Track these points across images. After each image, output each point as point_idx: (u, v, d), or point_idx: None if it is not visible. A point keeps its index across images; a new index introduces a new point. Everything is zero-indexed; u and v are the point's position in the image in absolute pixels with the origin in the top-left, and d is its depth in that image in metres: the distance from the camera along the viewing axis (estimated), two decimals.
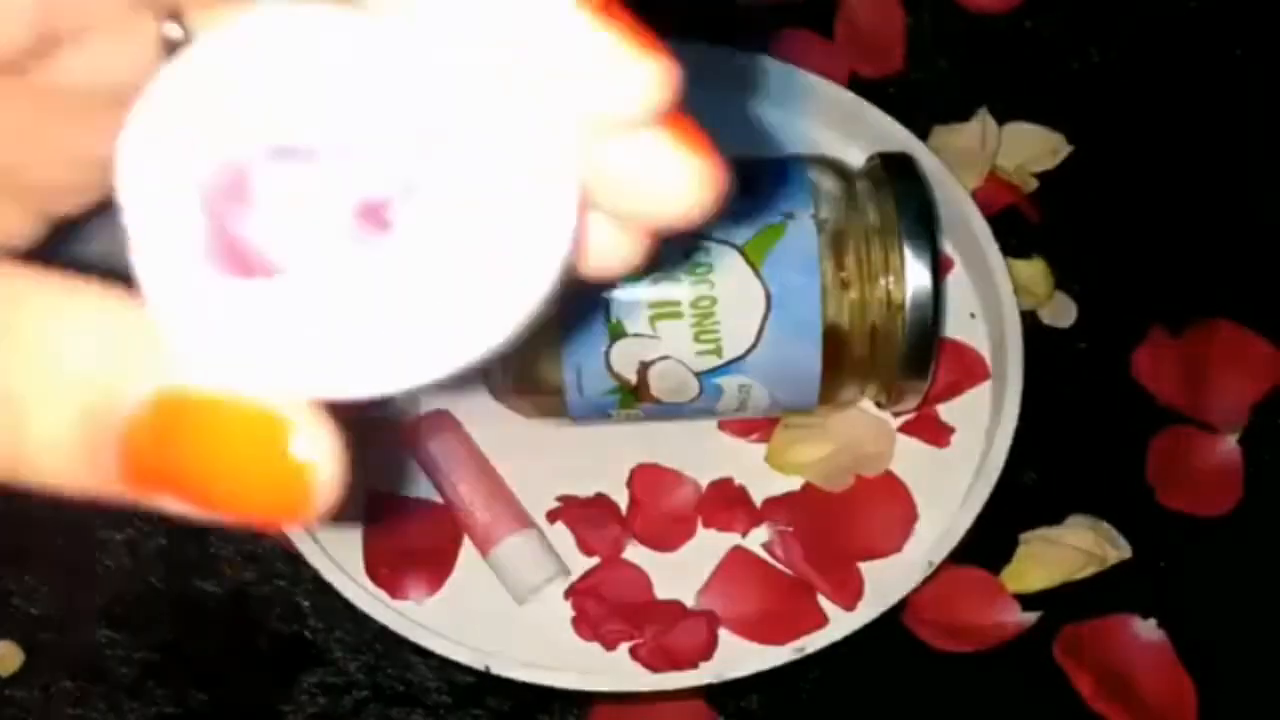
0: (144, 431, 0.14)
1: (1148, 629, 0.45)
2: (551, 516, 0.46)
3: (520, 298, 0.14)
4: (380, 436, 0.46)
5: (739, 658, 0.43)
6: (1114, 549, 0.46)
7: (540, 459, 0.46)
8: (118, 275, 0.15)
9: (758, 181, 0.42)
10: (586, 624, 0.45)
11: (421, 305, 0.14)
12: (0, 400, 0.14)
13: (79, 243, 0.20)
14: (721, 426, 0.47)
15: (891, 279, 0.42)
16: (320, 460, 0.14)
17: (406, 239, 0.14)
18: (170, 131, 0.14)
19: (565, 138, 0.15)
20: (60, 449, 0.15)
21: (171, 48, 0.18)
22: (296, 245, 0.15)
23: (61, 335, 0.14)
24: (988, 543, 0.45)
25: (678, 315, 0.40)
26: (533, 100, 0.15)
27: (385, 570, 0.45)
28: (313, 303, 0.14)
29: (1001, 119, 0.52)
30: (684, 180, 0.17)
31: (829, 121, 0.52)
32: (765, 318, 0.40)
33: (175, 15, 0.17)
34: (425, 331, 0.14)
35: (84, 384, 0.14)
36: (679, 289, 0.40)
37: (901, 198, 0.43)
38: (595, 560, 0.46)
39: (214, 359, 0.14)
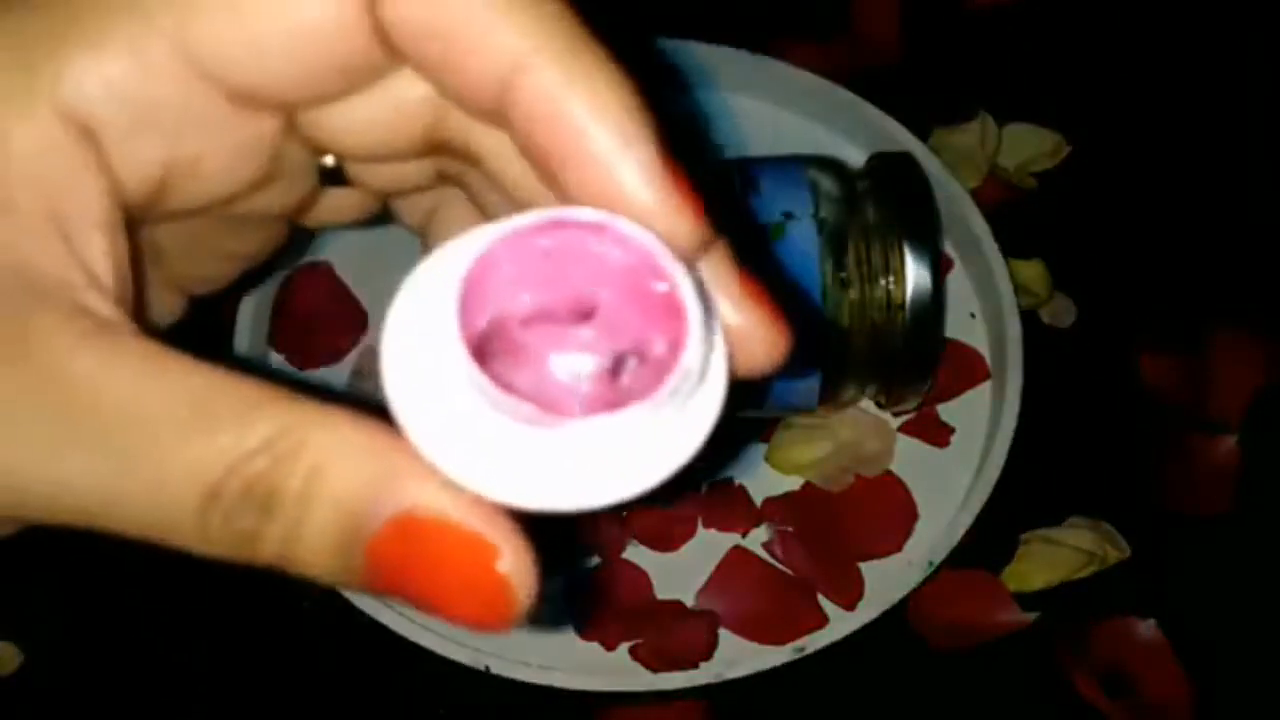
0: (385, 545, 0.18)
1: (1147, 629, 0.45)
2: None
3: (696, 434, 0.19)
4: None
5: (739, 658, 0.43)
6: (1114, 549, 0.46)
7: None
8: (374, 407, 0.18)
9: (758, 181, 0.42)
10: (586, 624, 0.45)
11: (633, 438, 0.18)
12: (278, 506, 0.17)
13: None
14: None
15: (891, 279, 0.42)
16: (519, 576, 0.17)
17: (629, 392, 0.18)
18: (433, 295, 0.18)
19: (720, 324, 0.20)
20: (319, 550, 0.18)
21: (326, 176, 0.22)
22: (542, 390, 0.18)
23: (329, 457, 0.17)
24: (988, 543, 0.45)
25: None
26: (704, 298, 0.19)
27: None
28: (553, 437, 0.17)
29: (1001, 119, 0.52)
30: (767, 351, 0.21)
31: (829, 121, 0.52)
32: None
33: (337, 154, 0.22)
34: (632, 458, 0.18)
35: (342, 500, 0.17)
36: None
37: (901, 198, 0.43)
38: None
39: (457, 482, 0.17)
